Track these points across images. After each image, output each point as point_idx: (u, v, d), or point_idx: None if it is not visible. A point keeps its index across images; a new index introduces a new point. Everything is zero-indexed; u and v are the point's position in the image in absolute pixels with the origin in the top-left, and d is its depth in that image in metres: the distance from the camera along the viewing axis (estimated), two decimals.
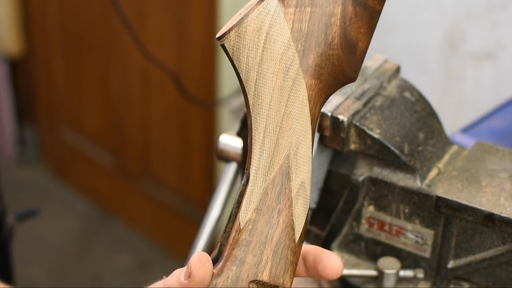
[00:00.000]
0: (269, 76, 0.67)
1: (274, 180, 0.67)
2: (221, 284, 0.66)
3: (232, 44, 0.67)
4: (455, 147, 0.95)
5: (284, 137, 0.67)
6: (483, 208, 0.85)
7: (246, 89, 0.68)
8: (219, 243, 0.69)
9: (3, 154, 3.14)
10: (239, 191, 0.68)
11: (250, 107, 0.68)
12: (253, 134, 0.68)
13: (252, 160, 0.68)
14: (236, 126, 1.03)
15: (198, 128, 2.46)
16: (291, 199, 0.67)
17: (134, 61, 2.53)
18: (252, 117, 0.68)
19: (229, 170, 1.07)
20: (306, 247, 0.71)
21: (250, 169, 0.68)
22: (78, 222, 2.82)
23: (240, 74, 0.68)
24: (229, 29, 0.67)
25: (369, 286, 0.93)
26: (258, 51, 0.67)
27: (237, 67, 0.68)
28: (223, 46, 0.68)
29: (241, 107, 2.05)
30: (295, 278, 0.70)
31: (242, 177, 0.69)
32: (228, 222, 0.69)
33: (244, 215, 0.67)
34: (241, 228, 0.67)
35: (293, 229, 0.67)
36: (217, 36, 0.68)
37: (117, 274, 2.60)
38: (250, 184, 0.67)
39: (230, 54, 0.68)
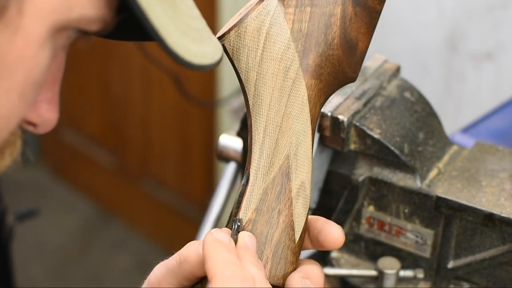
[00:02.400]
0: (269, 76, 0.67)
1: (274, 180, 0.67)
2: None
3: (232, 44, 0.67)
4: (455, 147, 0.95)
5: (284, 137, 0.67)
6: (483, 208, 0.84)
7: (246, 89, 0.68)
8: None
9: None
10: (239, 191, 0.68)
11: (250, 107, 0.68)
12: (253, 134, 0.68)
13: (252, 160, 0.68)
14: (236, 126, 1.03)
15: (198, 128, 2.46)
16: (291, 199, 0.67)
17: (134, 61, 2.53)
18: (252, 117, 0.68)
19: (229, 170, 1.07)
20: (309, 218, 0.70)
21: (250, 169, 0.68)
22: (78, 222, 2.81)
23: (240, 74, 0.68)
24: (229, 29, 0.67)
25: (369, 286, 0.93)
26: (258, 51, 0.67)
27: (237, 67, 0.68)
28: (223, 46, 0.68)
29: (241, 107, 2.05)
30: None
31: (242, 177, 0.69)
32: (228, 222, 0.69)
33: (244, 215, 0.67)
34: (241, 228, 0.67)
35: (293, 229, 0.67)
36: (217, 36, 0.68)
37: (117, 274, 2.60)
38: (250, 184, 0.67)
39: (230, 54, 0.68)
